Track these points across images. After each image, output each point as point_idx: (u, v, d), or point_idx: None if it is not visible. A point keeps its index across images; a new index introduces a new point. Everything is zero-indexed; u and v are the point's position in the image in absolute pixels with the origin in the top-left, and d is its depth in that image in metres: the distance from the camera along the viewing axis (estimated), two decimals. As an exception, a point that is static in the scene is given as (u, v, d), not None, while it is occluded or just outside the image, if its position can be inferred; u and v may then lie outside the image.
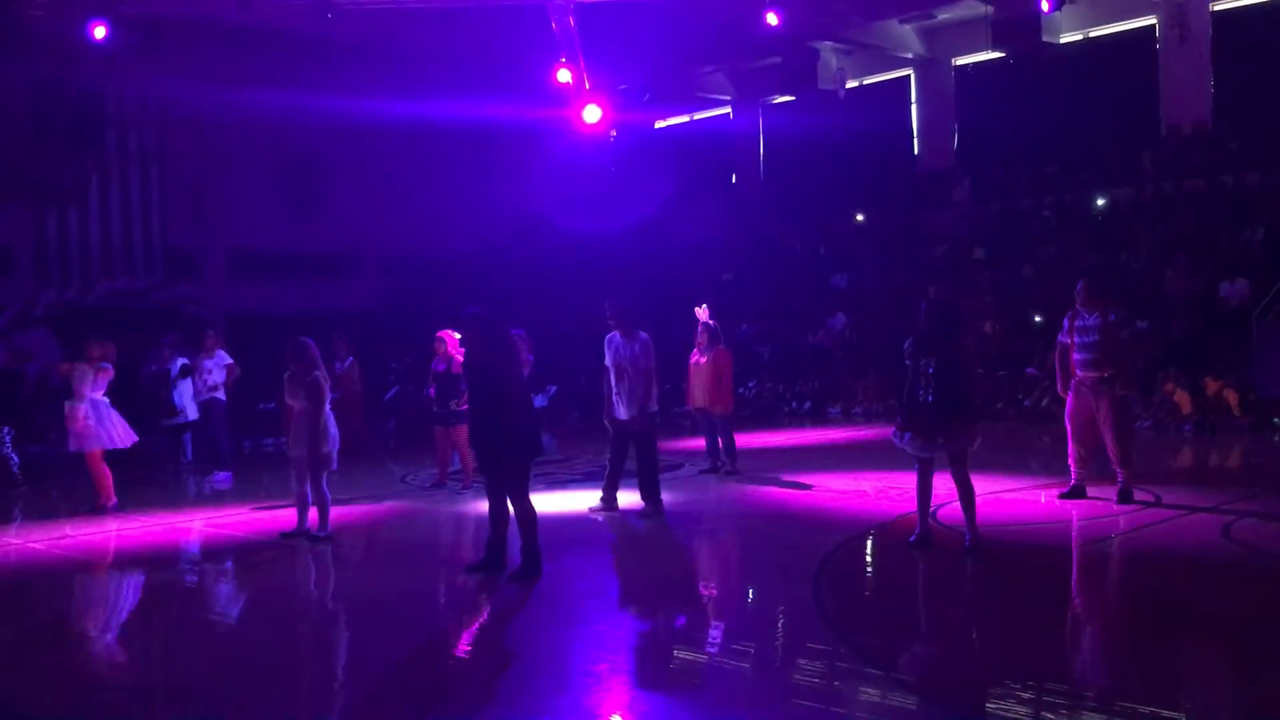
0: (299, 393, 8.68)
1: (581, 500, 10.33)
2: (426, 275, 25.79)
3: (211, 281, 24.91)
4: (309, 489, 8.78)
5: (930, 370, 7.43)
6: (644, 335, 9.50)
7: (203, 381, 13.57)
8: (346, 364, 15.46)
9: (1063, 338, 9.49)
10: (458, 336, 11.48)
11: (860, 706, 4.91)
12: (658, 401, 9.72)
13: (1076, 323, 9.33)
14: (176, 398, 13.84)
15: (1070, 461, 9.61)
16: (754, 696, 5.16)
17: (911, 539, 7.83)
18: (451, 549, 8.70)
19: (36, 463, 13.86)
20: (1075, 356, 9.32)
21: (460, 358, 11.38)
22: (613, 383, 9.53)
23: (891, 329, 20.52)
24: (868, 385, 20.29)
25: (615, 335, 9.59)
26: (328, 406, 8.74)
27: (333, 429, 8.75)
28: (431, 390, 11.96)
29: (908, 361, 7.63)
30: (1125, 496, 9.20)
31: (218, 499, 12.16)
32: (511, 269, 25.58)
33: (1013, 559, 7.73)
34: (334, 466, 8.80)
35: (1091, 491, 9.48)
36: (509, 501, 7.36)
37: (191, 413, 13.89)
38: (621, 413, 9.49)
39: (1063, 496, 9.55)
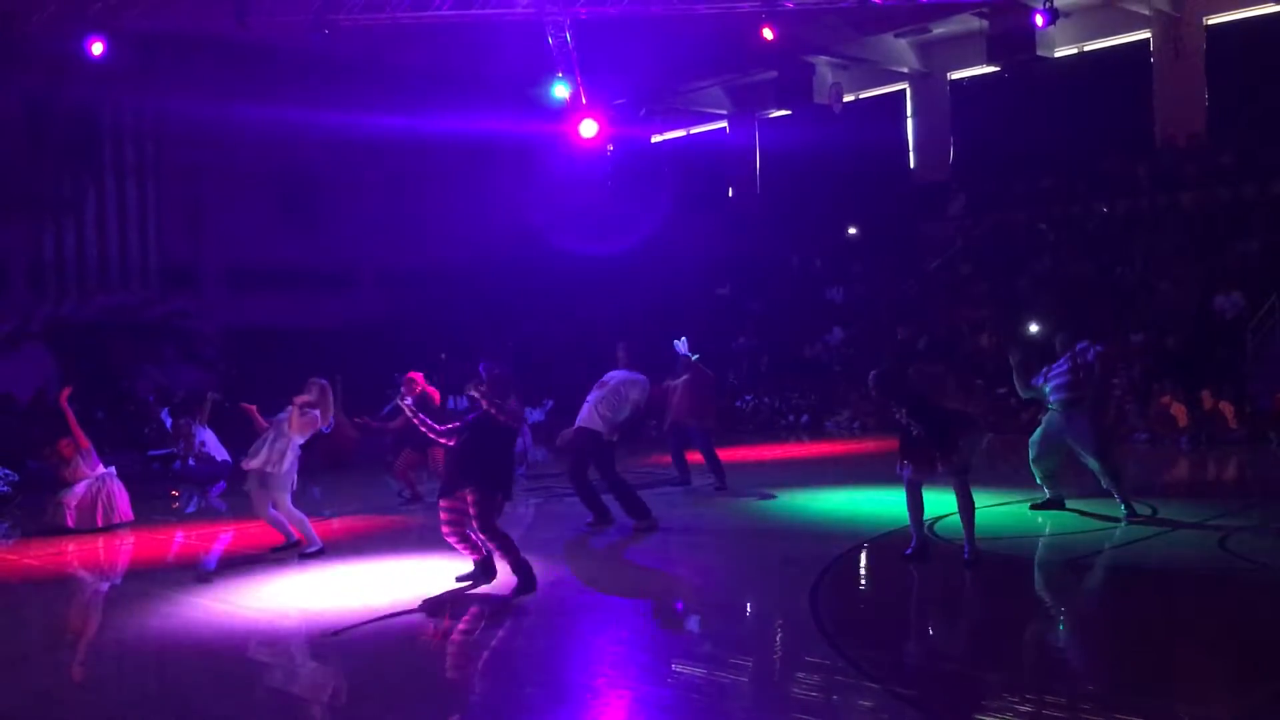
0: (305, 426, 8.75)
1: (574, 513, 10.30)
2: (424, 290, 25.81)
3: (208, 296, 24.91)
4: (289, 508, 8.83)
5: (903, 413, 7.73)
6: (644, 378, 9.91)
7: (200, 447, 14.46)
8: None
9: (1036, 381, 9.54)
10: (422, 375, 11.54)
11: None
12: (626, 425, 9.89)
13: (1052, 370, 9.46)
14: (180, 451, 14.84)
15: (1039, 480, 9.69)
16: (751, 710, 5.15)
17: (907, 551, 7.83)
18: (444, 563, 8.65)
19: (33, 478, 13.80)
20: (1050, 398, 9.44)
21: (436, 399, 11.36)
22: (592, 396, 9.72)
23: (888, 342, 20.56)
24: (864, 399, 20.27)
25: (619, 370, 9.96)
26: (298, 437, 8.78)
27: (291, 454, 8.78)
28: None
29: (874, 394, 8.09)
30: (1124, 510, 9.19)
31: (211, 514, 12.15)
32: (509, 283, 25.60)
33: (1010, 572, 7.72)
34: (293, 486, 8.87)
35: (1087, 505, 9.47)
36: (479, 532, 7.30)
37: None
38: (585, 420, 9.64)
39: (1034, 508, 9.63)
